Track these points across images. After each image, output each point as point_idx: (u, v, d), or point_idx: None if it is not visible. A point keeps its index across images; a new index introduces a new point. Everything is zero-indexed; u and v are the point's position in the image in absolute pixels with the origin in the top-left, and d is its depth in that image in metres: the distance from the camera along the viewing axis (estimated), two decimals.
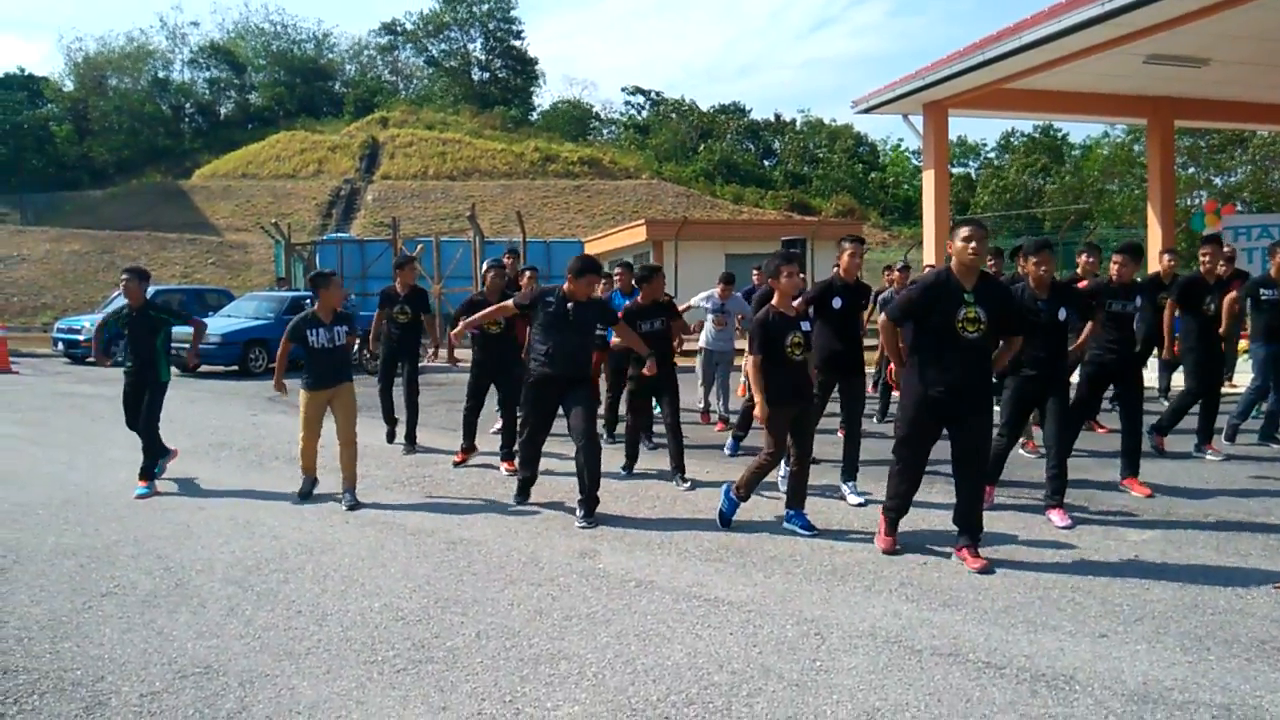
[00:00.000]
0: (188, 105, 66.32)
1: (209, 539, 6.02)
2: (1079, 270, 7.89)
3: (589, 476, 6.31)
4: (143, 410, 7.55)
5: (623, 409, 8.70)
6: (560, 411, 6.67)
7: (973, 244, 5.09)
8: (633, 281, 9.29)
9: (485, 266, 8.76)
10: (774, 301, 5.99)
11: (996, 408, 5.89)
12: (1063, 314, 6.13)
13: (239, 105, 66.94)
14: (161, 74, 65.01)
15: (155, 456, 7.59)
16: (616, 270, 9.94)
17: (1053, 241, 7.37)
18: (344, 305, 7.46)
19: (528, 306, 6.66)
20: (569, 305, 6.45)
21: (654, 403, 8.43)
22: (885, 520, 5.57)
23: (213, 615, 4.61)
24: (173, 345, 7.93)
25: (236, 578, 5.20)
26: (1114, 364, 6.97)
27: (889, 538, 5.53)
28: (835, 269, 6.94)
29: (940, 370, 5.16)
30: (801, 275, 6.24)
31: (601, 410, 10.02)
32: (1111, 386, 7.17)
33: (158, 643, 4.27)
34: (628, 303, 8.20)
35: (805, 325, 5.98)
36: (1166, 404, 8.84)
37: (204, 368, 16.86)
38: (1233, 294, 8.18)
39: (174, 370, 8.26)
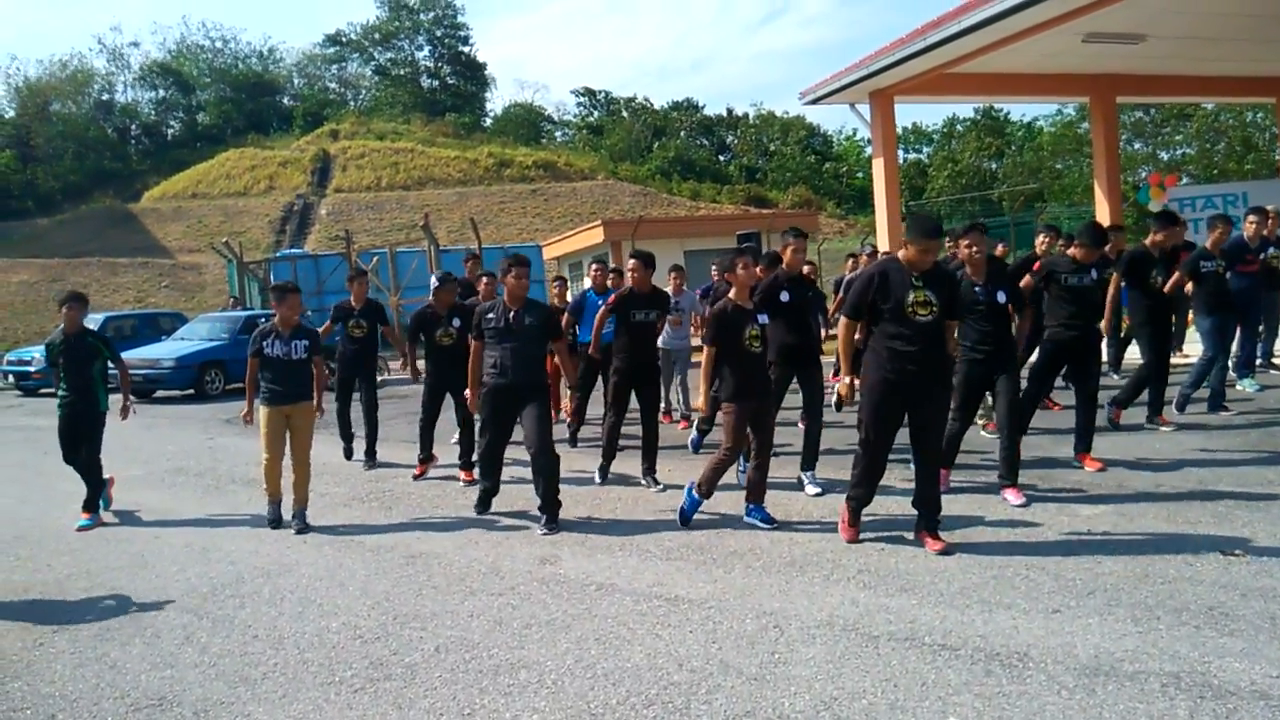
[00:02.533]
0: (133, 127, 65.31)
1: (164, 567, 5.93)
2: (1037, 249, 8.01)
3: (547, 486, 6.33)
4: (82, 445, 7.27)
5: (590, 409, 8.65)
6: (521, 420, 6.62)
7: (920, 250, 5.24)
8: (607, 281, 9.70)
9: (434, 281, 8.70)
10: (731, 294, 6.06)
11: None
12: (1001, 296, 6.22)
13: (186, 125, 65.98)
14: (105, 97, 63.97)
15: (98, 488, 7.37)
16: (594, 267, 9.97)
17: (984, 224, 7.44)
18: (301, 319, 7.26)
19: (476, 329, 6.66)
20: (510, 314, 6.47)
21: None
22: (849, 510, 5.58)
23: (167, 645, 4.55)
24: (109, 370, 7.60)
25: (192, 606, 5.13)
26: (1071, 340, 6.94)
27: (852, 528, 5.55)
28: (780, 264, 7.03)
29: (897, 355, 5.23)
30: (760, 268, 6.33)
31: (564, 415, 10.03)
32: (1069, 363, 7.17)
33: (110, 676, 4.20)
34: (613, 293, 8.21)
35: (763, 318, 6.07)
36: (1117, 378, 8.98)
37: (159, 392, 16.63)
38: (1177, 274, 8.29)
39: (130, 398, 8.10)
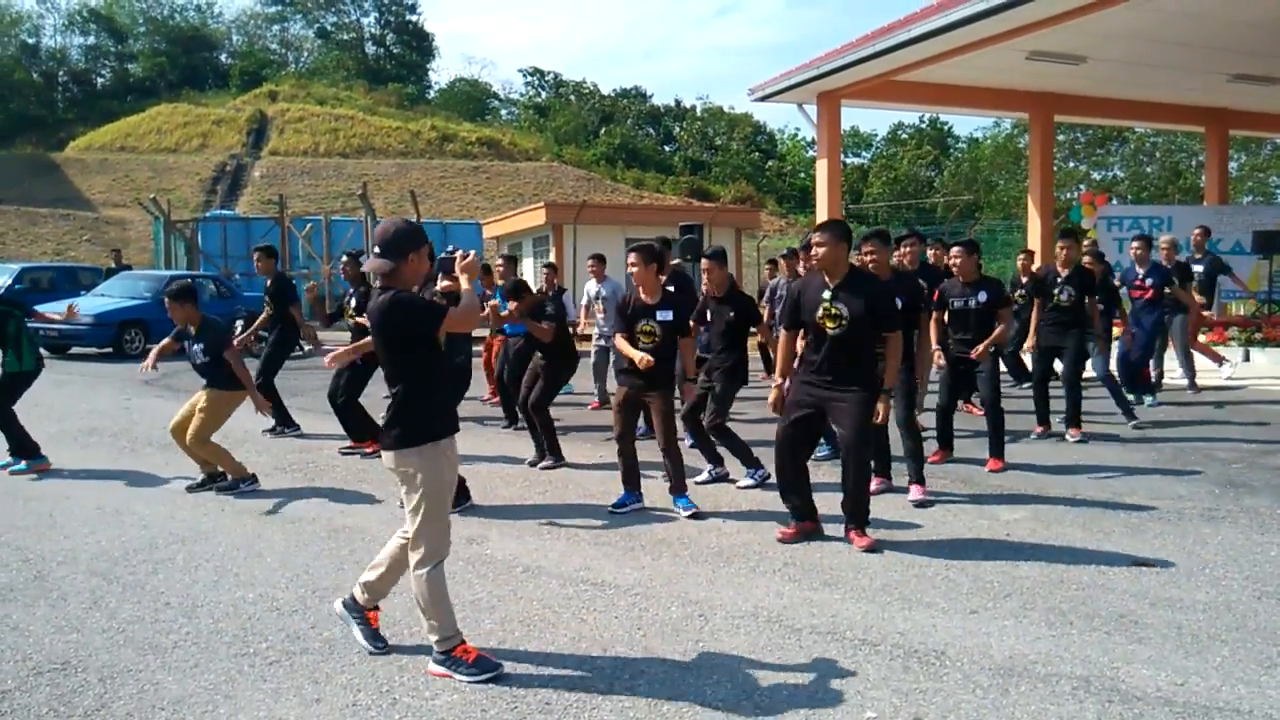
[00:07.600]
0: (61, 73, 62.74)
1: (73, 529, 5.73)
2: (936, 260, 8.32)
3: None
4: None
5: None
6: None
7: (821, 249, 5.26)
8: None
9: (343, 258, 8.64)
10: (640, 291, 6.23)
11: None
12: (898, 302, 6.22)
13: (117, 74, 63.63)
14: (32, 40, 61.38)
15: (19, 435, 7.25)
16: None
17: (919, 232, 7.69)
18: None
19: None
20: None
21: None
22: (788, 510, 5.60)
23: (74, 608, 4.39)
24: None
25: (101, 569, 4.96)
26: (957, 359, 7.22)
27: (786, 528, 5.49)
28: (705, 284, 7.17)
29: (810, 364, 5.33)
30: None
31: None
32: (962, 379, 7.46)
33: (12, 639, 4.04)
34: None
35: (661, 315, 6.09)
36: (1023, 389, 9.30)
37: (76, 349, 16.07)
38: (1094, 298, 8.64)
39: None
